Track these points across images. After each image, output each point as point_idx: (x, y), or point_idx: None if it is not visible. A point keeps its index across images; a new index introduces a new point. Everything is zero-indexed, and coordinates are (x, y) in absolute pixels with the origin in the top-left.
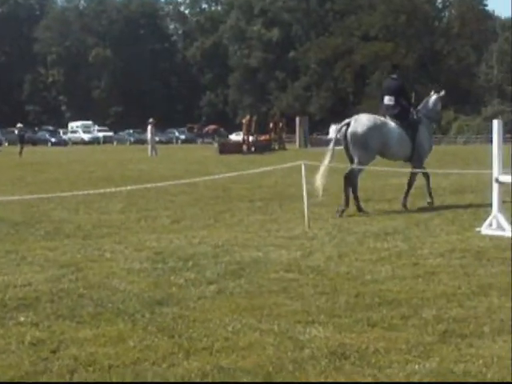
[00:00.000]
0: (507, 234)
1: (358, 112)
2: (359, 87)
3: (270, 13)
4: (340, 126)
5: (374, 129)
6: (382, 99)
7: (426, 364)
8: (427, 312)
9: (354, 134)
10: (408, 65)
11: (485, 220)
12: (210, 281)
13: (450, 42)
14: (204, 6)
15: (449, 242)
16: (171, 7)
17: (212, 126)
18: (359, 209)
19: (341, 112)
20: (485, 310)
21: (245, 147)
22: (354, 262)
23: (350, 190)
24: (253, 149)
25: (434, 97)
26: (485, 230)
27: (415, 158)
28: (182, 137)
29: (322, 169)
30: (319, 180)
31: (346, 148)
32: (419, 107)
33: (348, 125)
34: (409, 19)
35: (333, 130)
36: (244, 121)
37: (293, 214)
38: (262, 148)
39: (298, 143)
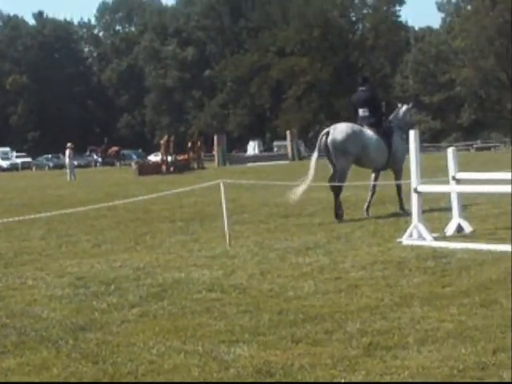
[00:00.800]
0: (428, 243)
1: (275, 128)
2: (276, 103)
3: (184, 32)
4: (320, 135)
5: (353, 135)
6: (356, 111)
7: (352, 378)
8: (351, 326)
9: (334, 141)
10: (324, 78)
11: (405, 230)
12: (132, 304)
13: (365, 54)
14: (118, 27)
15: (370, 254)
16: (85, 30)
17: (114, 148)
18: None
19: (258, 128)
20: (408, 321)
21: (164, 168)
22: (276, 278)
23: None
24: (172, 169)
25: (403, 108)
26: (406, 240)
27: (395, 166)
28: (101, 160)
29: (305, 185)
30: (298, 194)
31: (328, 156)
32: (390, 117)
33: (327, 134)
34: (323, 33)
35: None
36: (162, 141)
37: (214, 232)
38: (181, 168)
39: (216, 161)
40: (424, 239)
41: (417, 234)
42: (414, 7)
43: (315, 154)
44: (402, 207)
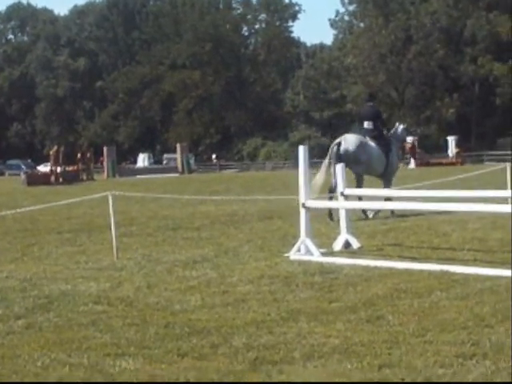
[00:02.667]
0: (315, 258)
1: (166, 141)
2: (167, 115)
3: (76, 42)
4: (332, 145)
5: (361, 146)
6: (361, 123)
7: None
8: (237, 340)
9: (347, 151)
10: (215, 92)
11: (293, 245)
12: (18, 315)
13: (257, 69)
14: (10, 36)
15: (258, 269)
16: None
17: None
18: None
19: (149, 141)
20: (294, 336)
21: (53, 178)
22: (163, 291)
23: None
24: (61, 180)
25: (401, 126)
26: (293, 255)
27: (387, 174)
28: None
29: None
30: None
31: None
32: (390, 133)
33: (338, 144)
34: (215, 47)
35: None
36: (52, 152)
37: (101, 244)
38: (70, 179)
39: (106, 173)
40: (312, 254)
41: (304, 249)
42: (306, 23)
43: (326, 161)
44: (392, 211)
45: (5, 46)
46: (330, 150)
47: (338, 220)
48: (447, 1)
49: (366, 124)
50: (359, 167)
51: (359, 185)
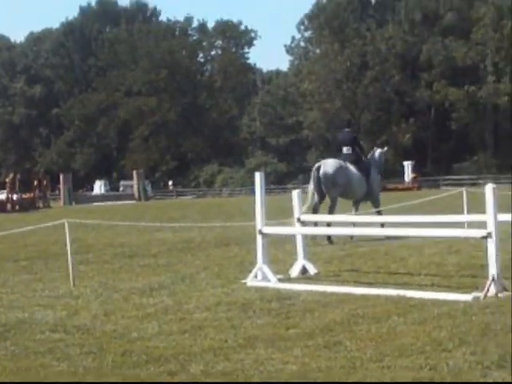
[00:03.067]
0: (272, 285)
1: (122, 167)
2: (123, 142)
3: (32, 69)
4: (313, 169)
5: (340, 169)
6: (340, 149)
7: None
8: (195, 367)
9: (326, 174)
10: (171, 119)
11: (250, 272)
12: None
13: (213, 95)
14: None
15: (215, 296)
16: None
17: None
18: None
19: (105, 167)
20: (252, 363)
21: (9, 206)
22: (120, 319)
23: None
24: (17, 207)
25: (378, 150)
26: (250, 281)
27: (372, 196)
28: None
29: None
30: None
31: (319, 188)
32: (368, 157)
33: (318, 168)
34: (171, 74)
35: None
36: (8, 179)
37: (58, 272)
38: (26, 206)
39: (62, 200)
40: (269, 281)
41: (261, 276)
42: (262, 50)
43: (311, 186)
44: (351, 237)
45: None
46: (312, 174)
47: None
48: (403, 26)
49: (345, 149)
50: (336, 190)
51: (332, 209)
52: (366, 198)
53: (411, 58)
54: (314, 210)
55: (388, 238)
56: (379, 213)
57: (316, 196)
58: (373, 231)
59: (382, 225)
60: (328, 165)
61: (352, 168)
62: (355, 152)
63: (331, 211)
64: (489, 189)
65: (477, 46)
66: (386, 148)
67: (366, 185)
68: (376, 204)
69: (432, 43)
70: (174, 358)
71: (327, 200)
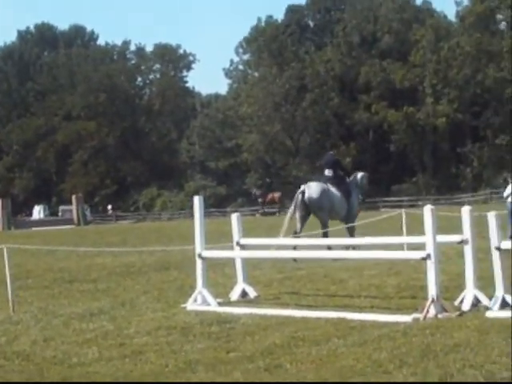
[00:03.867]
0: (212, 308)
1: (61, 192)
2: (62, 166)
3: None
4: (297, 193)
5: (324, 193)
6: (323, 171)
7: None
8: None
9: (311, 199)
10: (110, 143)
11: (190, 296)
12: None
13: (152, 119)
14: None
15: (155, 320)
16: None
17: None
18: None
19: (45, 192)
20: None
21: None
22: (60, 345)
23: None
24: None
25: (360, 173)
26: (190, 305)
27: (350, 217)
28: None
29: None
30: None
31: (303, 211)
32: (349, 180)
33: (303, 193)
34: (109, 98)
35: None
36: None
37: None
38: None
39: (1, 226)
40: (209, 304)
41: (201, 300)
42: (201, 73)
43: (291, 209)
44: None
45: None
46: (294, 198)
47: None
48: (341, 49)
49: (327, 172)
50: (323, 213)
51: (325, 232)
52: (344, 218)
53: (350, 80)
54: (295, 232)
55: (335, 260)
56: (352, 231)
57: (298, 220)
58: (316, 254)
59: (351, 234)
60: (312, 189)
61: (334, 190)
62: (337, 174)
63: (325, 234)
64: (427, 210)
65: (415, 68)
66: (365, 173)
67: (346, 206)
68: (352, 223)
69: (370, 65)
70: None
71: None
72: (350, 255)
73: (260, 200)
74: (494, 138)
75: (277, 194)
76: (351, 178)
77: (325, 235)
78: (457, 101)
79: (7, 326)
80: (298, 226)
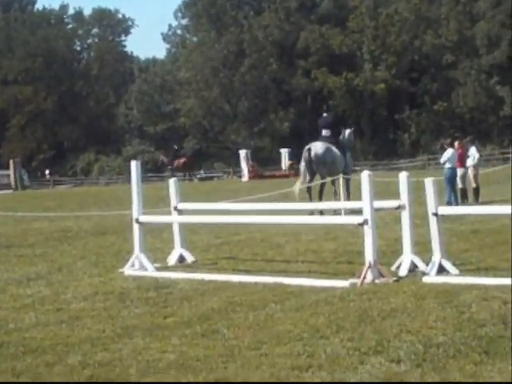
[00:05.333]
0: (150, 273)
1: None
2: (0, 131)
3: None
4: (304, 151)
5: (327, 150)
6: (321, 132)
7: None
8: (72, 358)
9: (317, 155)
10: (48, 107)
11: (127, 261)
12: None
13: (90, 83)
14: None
15: (92, 285)
16: None
17: None
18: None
19: None
20: (130, 352)
21: None
22: None
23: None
24: None
25: (347, 131)
26: (128, 270)
27: (347, 172)
28: None
29: (299, 183)
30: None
31: (310, 166)
32: (340, 138)
33: (309, 150)
34: (47, 62)
35: None
36: None
37: None
38: None
39: None
40: (146, 269)
41: (139, 265)
42: (139, 38)
43: (302, 165)
44: (348, 197)
45: None
46: (302, 156)
47: None
48: (279, 14)
49: (325, 132)
50: (325, 168)
51: (322, 188)
52: (343, 173)
53: (288, 45)
54: (308, 188)
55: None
56: (348, 186)
57: (308, 173)
58: (249, 219)
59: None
60: (317, 147)
61: (334, 148)
62: (334, 134)
63: (321, 189)
64: (365, 176)
65: (353, 34)
66: (352, 128)
67: (344, 163)
68: (347, 183)
69: (309, 31)
70: (52, 349)
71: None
72: (287, 220)
73: (169, 167)
74: (432, 104)
75: (182, 160)
76: (341, 136)
77: (322, 187)
78: (395, 67)
79: None
80: (308, 177)
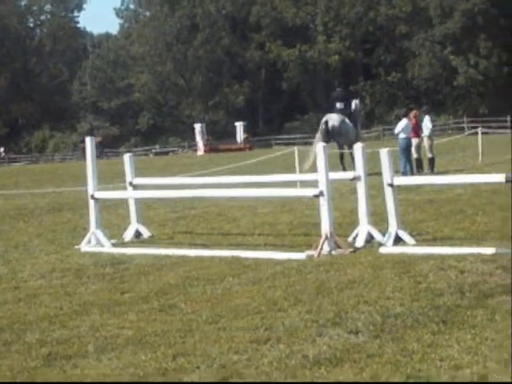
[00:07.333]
0: (106, 249)
1: None
2: None
3: None
4: (321, 123)
5: (343, 122)
6: (334, 105)
7: None
8: (30, 336)
9: (333, 126)
10: (1, 85)
11: (84, 237)
12: None
13: (43, 60)
14: None
15: (49, 263)
16: None
17: None
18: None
19: None
20: (88, 329)
21: None
22: None
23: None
24: None
25: (355, 101)
26: (84, 247)
27: (358, 141)
28: None
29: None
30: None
31: (326, 137)
32: (352, 109)
33: (326, 122)
34: (0, 39)
35: None
36: None
37: None
38: None
39: None
40: (102, 246)
41: (95, 241)
42: (92, 13)
43: (318, 137)
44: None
45: None
46: (319, 128)
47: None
48: None
49: (339, 105)
50: (342, 138)
51: (341, 155)
52: (354, 142)
53: (241, 19)
54: (341, 155)
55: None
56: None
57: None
58: (205, 193)
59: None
60: (334, 119)
61: (347, 120)
62: (346, 106)
63: (341, 156)
64: (320, 147)
65: (306, 6)
66: (358, 99)
67: (355, 133)
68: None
69: (261, 4)
70: (9, 327)
71: None
72: (243, 193)
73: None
74: (386, 75)
75: (98, 139)
76: (353, 108)
77: (341, 156)
78: (349, 39)
79: None
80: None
